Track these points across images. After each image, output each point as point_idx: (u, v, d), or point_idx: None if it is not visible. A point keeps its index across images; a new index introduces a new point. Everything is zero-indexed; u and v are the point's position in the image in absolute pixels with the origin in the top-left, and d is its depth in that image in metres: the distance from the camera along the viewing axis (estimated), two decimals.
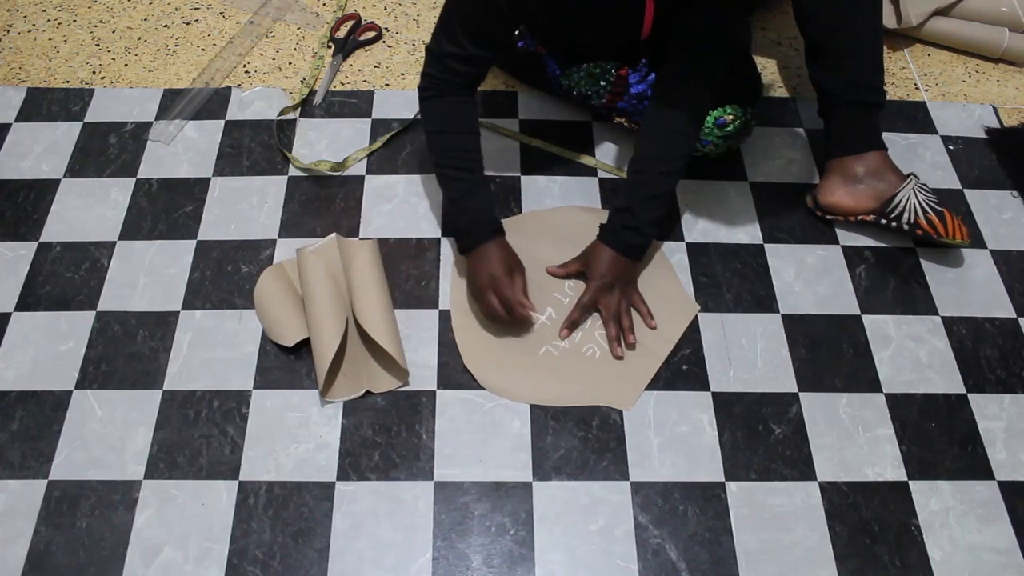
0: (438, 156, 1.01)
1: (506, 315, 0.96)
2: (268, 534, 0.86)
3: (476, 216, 1.00)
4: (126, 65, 1.30)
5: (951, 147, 1.24)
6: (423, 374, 0.98)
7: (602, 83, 1.11)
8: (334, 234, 1.04)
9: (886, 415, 0.96)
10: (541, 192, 1.15)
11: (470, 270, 1.00)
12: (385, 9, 1.41)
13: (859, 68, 1.07)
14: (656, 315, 1.02)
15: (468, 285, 1.01)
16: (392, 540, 0.86)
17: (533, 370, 0.98)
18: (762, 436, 0.94)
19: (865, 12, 1.07)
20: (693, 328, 1.03)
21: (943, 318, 1.05)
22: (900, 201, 1.05)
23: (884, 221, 1.07)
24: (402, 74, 1.30)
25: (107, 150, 1.19)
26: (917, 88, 1.32)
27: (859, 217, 1.09)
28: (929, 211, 1.04)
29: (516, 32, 1.15)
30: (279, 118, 1.22)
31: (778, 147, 1.22)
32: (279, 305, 1.01)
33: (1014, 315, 1.06)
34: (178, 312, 1.02)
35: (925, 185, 1.06)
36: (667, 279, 1.06)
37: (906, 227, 1.06)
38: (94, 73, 1.29)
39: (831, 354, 1.01)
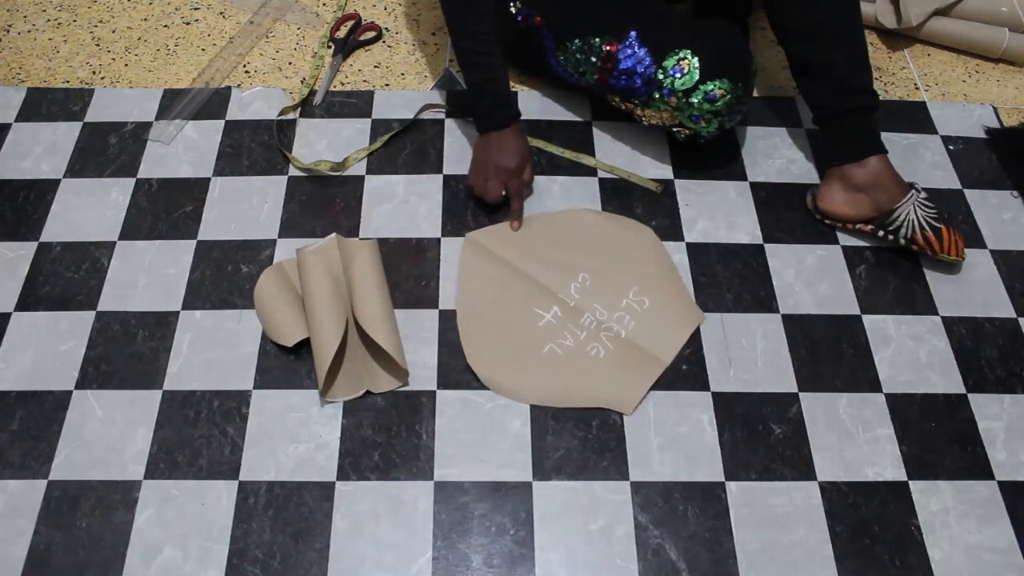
0: (460, 37, 1.07)
1: (498, 199, 1.04)
2: (268, 534, 0.86)
3: (496, 101, 1.07)
4: (126, 65, 1.30)
5: (951, 147, 1.24)
6: (423, 374, 0.98)
7: (592, 59, 1.11)
8: (334, 234, 1.04)
9: (886, 415, 0.96)
10: (541, 192, 1.15)
11: (480, 149, 1.07)
12: (385, 9, 1.41)
13: (846, 74, 1.07)
14: (661, 322, 1.02)
15: (474, 161, 1.07)
16: (392, 540, 0.86)
17: (536, 370, 0.98)
18: (762, 436, 0.94)
19: (841, 17, 1.06)
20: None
21: (943, 318, 1.05)
22: (899, 216, 1.05)
23: (881, 233, 1.07)
24: (402, 74, 1.30)
25: (107, 150, 1.19)
26: (917, 88, 1.32)
27: (857, 226, 1.10)
28: (927, 228, 1.04)
29: (515, 7, 1.16)
30: (279, 118, 1.22)
31: (778, 147, 1.22)
32: (279, 305, 1.01)
33: (1014, 315, 1.06)
34: (178, 312, 1.02)
35: (927, 199, 1.05)
36: (673, 286, 1.05)
37: (903, 241, 1.06)
38: (94, 73, 1.29)
39: (831, 354, 1.01)
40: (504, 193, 1.09)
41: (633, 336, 1.00)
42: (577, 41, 1.11)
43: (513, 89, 1.28)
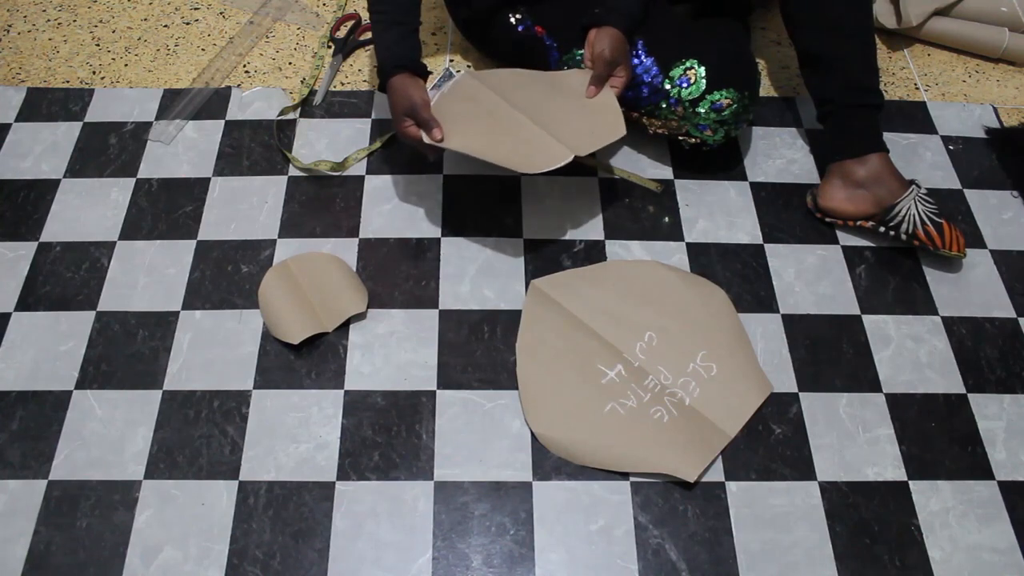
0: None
1: (420, 136, 1.00)
2: (268, 534, 0.86)
3: (384, 54, 1.04)
4: (126, 65, 1.30)
5: (951, 147, 1.24)
6: (423, 374, 0.98)
7: None
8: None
9: (886, 415, 0.96)
10: (541, 192, 1.15)
11: (390, 106, 1.04)
12: None
13: (853, 71, 1.07)
14: (727, 392, 0.96)
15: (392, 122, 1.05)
16: (392, 540, 0.86)
17: (596, 431, 0.93)
18: (762, 436, 0.94)
19: (854, 15, 1.07)
20: None
21: (943, 318, 1.05)
22: (900, 211, 1.05)
23: (883, 229, 1.07)
24: None
25: (107, 150, 1.19)
26: (917, 88, 1.32)
27: (858, 222, 1.10)
28: (928, 223, 1.04)
29: (515, 18, 1.16)
30: (279, 118, 1.22)
31: (778, 147, 1.22)
32: (285, 303, 1.01)
33: (1014, 315, 1.06)
34: (178, 312, 1.02)
35: (927, 194, 1.05)
36: (742, 353, 1.00)
37: (904, 236, 1.06)
38: (94, 73, 1.29)
39: (831, 354, 1.01)
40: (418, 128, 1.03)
41: (697, 404, 0.94)
42: (582, 51, 1.11)
43: None
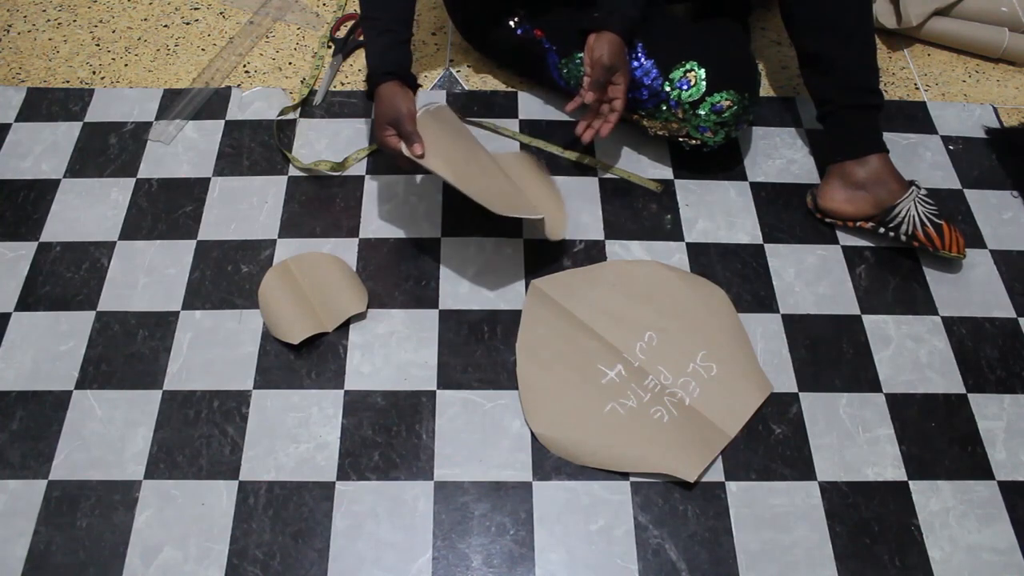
0: (363, 8, 1.05)
1: (400, 148, 0.98)
2: (268, 534, 0.86)
3: (375, 61, 1.03)
4: (126, 65, 1.30)
5: (951, 147, 1.24)
6: (423, 374, 0.98)
7: None
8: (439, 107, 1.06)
9: (886, 415, 0.96)
10: None
11: (374, 113, 1.03)
12: None
13: (853, 71, 1.07)
14: (727, 392, 0.96)
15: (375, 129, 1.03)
16: (392, 540, 0.86)
17: (596, 430, 0.93)
18: (762, 436, 0.94)
19: (854, 15, 1.07)
20: None
21: (943, 318, 1.05)
22: (900, 212, 1.05)
23: (882, 230, 1.07)
24: None
25: (107, 150, 1.19)
26: (917, 88, 1.32)
27: (858, 223, 1.10)
28: (928, 224, 1.04)
29: (514, 21, 1.16)
30: (279, 118, 1.22)
31: (778, 147, 1.22)
32: (285, 303, 1.01)
33: (1014, 315, 1.06)
34: (178, 312, 1.02)
35: (927, 196, 1.05)
36: (742, 353, 1.00)
37: (903, 238, 1.06)
38: (94, 73, 1.29)
39: (831, 354, 1.01)
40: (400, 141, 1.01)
41: (697, 404, 0.94)
42: (582, 54, 1.11)
43: (512, 90, 1.28)
